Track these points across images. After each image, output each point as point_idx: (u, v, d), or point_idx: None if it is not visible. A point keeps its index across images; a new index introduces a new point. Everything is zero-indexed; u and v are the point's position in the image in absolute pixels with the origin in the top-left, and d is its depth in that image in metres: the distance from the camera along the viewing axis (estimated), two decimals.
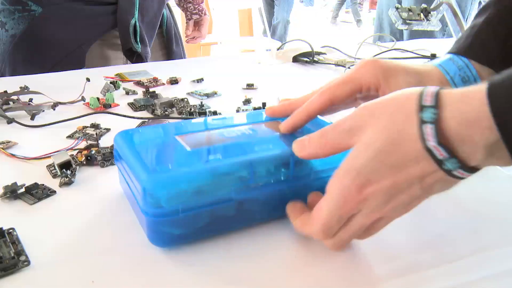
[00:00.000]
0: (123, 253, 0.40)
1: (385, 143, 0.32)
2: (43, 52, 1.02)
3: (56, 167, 0.53)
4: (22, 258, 0.38)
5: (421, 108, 0.31)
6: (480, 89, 0.29)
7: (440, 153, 0.30)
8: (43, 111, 0.73)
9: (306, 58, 1.12)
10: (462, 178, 0.32)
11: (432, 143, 0.30)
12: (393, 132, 0.32)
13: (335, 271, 0.39)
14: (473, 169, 0.31)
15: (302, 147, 0.40)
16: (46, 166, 0.55)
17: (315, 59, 1.11)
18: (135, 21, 1.07)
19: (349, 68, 1.06)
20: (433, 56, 1.10)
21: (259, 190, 0.41)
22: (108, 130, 0.67)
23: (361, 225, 0.37)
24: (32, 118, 0.70)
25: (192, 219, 0.39)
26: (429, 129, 0.30)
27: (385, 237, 0.43)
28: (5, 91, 0.78)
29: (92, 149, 0.59)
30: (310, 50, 1.13)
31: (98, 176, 0.54)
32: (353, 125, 0.35)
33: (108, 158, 0.56)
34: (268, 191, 0.42)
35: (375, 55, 1.12)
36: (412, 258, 0.40)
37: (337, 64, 1.08)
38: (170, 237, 0.39)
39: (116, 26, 1.07)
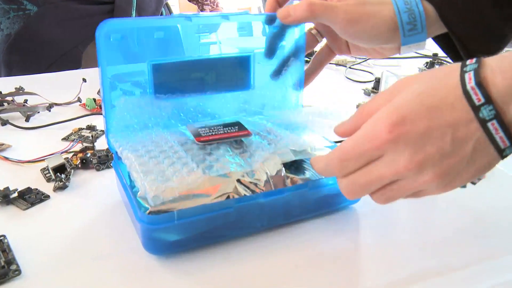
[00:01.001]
0: (118, 261, 0.39)
1: (426, 88, 0.33)
2: (38, 52, 1.00)
3: (50, 171, 0.52)
4: (13, 267, 0.37)
5: (464, 65, 0.32)
6: None
7: (478, 96, 0.30)
8: (38, 112, 0.71)
9: (306, 58, 1.11)
10: (494, 141, 0.31)
11: (471, 84, 0.31)
12: (435, 82, 0.33)
13: (336, 280, 0.38)
14: (507, 131, 0.30)
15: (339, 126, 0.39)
16: (40, 170, 0.54)
17: None
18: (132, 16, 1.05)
19: (350, 68, 1.04)
20: (434, 56, 1.08)
21: (258, 197, 0.40)
22: (104, 132, 0.66)
23: (379, 175, 0.34)
24: (27, 120, 0.68)
25: (188, 226, 0.37)
26: (469, 74, 0.31)
27: (388, 244, 0.42)
28: (0, 92, 0.77)
29: (87, 151, 0.58)
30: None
31: (93, 180, 0.52)
32: (393, 89, 0.35)
33: (104, 161, 0.55)
34: (268, 198, 0.40)
35: None
36: (416, 266, 0.39)
37: (337, 64, 1.07)
38: (165, 244, 0.38)
39: None
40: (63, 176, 0.51)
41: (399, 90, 0.34)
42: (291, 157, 0.45)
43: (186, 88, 0.50)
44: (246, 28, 0.52)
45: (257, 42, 0.52)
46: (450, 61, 1.10)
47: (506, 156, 0.32)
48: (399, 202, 0.36)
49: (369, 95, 0.86)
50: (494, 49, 0.49)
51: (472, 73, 0.31)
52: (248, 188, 0.42)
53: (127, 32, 0.46)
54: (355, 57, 1.11)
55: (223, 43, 0.52)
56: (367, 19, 0.45)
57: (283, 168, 0.44)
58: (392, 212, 0.46)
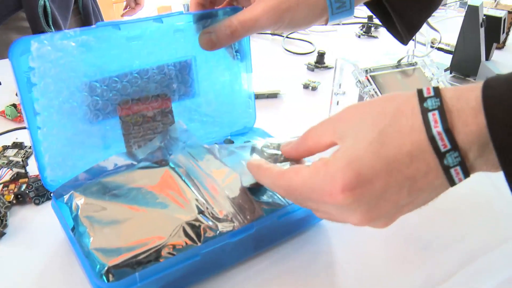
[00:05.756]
0: None
1: (379, 133, 0.30)
2: None
3: None
4: None
5: (423, 98, 0.29)
6: (476, 86, 0.28)
7: (444, 142, 0.28)
8: None
9: None
10: (452, 183, 0.30)
11: (438, 129, 0.28)
12: (387, 123, 0.30)
13: None
14: (467, 173, 0.29)
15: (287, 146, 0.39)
16: None
17: None
18: (44, 1, 0.93)
19: (287, 37, 1.01)
20: (369, 18, 1.07)
21: (228, 237, 0.37)
22: None
23: (327, 213, 0.33)
24: None
25: (152, 285, 0.35)
26: (435, 116, 0.29)
27: (364, 258, 0.41)
28: None
29: (20, 181, 0.51)
30: None
31: (34, 219, 0.46)
32: (340, 118, 0.33)
33: (43, 192, 0.49)
34: (240, 236, 0.38)
35: None
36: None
37: (273, 34, 1.03)
38: None
39: (22, 7, 0.93)
40: None
41: (348, 126, 0.32)
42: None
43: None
44: (183, 29, 0.47)
45: (196, 43, 0.47)
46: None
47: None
48: None
49: (312, 70, 0.84)
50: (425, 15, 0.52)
51: (437, 114, 0.29)
52: (212, 219, 0.39)
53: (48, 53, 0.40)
54: None
55: (159, 48, 0.47)
56: (296, 11, 0.42)
57: (248, 192, 0.41)
58: None
